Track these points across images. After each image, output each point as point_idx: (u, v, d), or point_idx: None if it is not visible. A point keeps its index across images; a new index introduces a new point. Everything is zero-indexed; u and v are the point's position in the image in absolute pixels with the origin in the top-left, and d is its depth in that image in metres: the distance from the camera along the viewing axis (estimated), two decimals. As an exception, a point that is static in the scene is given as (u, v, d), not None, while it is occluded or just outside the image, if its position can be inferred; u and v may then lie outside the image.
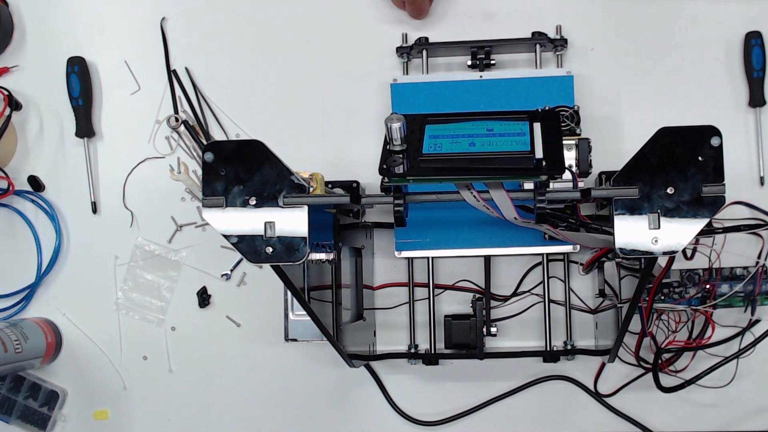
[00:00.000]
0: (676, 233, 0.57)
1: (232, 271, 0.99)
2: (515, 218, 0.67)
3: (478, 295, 0.93)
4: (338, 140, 0.97)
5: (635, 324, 0.81)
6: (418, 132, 0.63)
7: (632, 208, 0.58)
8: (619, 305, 0.83)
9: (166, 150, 1.01)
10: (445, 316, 0.91)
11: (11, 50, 1.03)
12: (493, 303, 0.95)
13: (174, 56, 1.02)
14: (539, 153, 0.59)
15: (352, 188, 0.89)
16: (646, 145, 0.58)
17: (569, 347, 0.92)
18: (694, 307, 0.87)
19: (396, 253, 0.91)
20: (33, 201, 1.02)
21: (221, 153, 0.61)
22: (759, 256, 0.90)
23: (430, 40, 0.95)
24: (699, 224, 0.57)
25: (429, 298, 0.93)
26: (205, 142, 0.99)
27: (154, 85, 1.02)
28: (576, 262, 0.94)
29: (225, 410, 0.99)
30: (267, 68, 1.00)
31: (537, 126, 0.63)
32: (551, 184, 0.63)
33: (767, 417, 0.93)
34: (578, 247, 0.89)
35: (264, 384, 0.99)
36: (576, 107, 0.88)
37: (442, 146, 0.61)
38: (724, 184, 0.57)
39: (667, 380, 0.88)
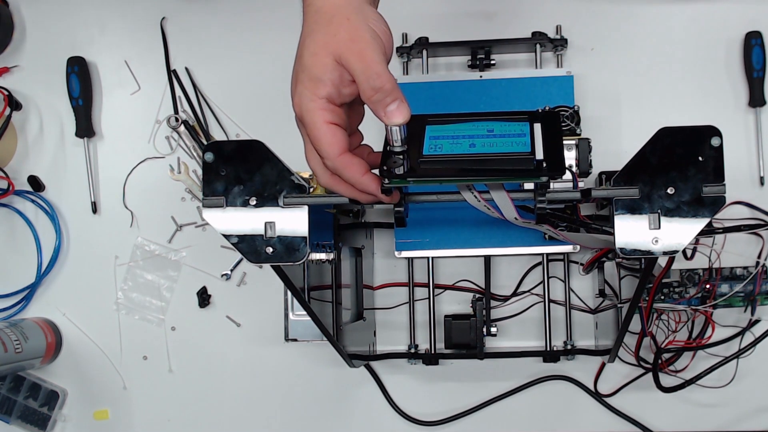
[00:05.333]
0: (676, 233, 0.57)
1: (232, 271, 0.99)
2: (516, 218, 0.67)
3: (478, 295, 0.94)
4: (338, 140, 0.97)
5: (635, 324, 0.81)
6: (419, 133, 0.63)
7: (632, 208, 0.58)
8: (619, 305, 0.83)
9: (166, 150, 1.01)
10: (445, 316, 0.91)
11: (11, 50, 1.04)
12: (493, 303, 0.95)
13: (174, 56, 1.02)
14: (540, 154, 0.59)
15: (352, 188, 0.89)
16: (646, 145, 0.58)
17: (569, 347, 0.92)
18: (694, 307, 0.87)
19: (396, 253, 0.91)
20: (33, 201, 1.02)
21: (221, 153, 0.61)
22: (759, 256, 0.90)
23: (430, 40, 0.95)
24: (699, 224, 0.57)
25: (429, 298, 0.93)
26: (205, 142, 0.99)
27: (154, 85, 1.02)
28: (576, 262, 0.94)
29: (225, 410, 0.99)
30: (267, 68, 1.00)
31: (537, 126, 0.63)
32: (551, 185, 0.63)
33: (767, 417, 0.93)
34: (578, 247, 0.89)
35: (264, 384, 0.99)
36: (576, 107, 0.88)
37: (443, 147, 0.61)
38: (724, 184, 0.57)
39: (667, 380, 0.88)
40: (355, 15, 0.58)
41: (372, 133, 0.96)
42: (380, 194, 0.60)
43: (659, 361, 0.87)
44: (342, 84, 0.58)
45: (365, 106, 0.63)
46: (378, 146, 0.63)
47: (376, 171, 0.60)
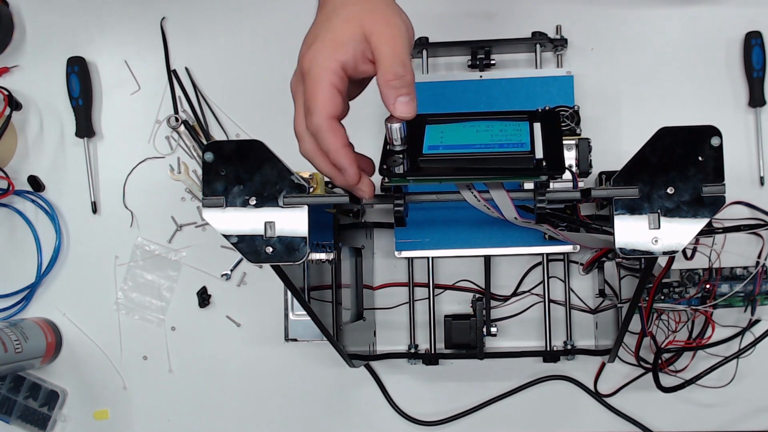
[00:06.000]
0: (676, 233, 0.57)
1: (232, 271, 0.99)
2: (515, 218, 0.67)
3: (478, 295, 0.94)
4: (338, 140, 0.97)
5: (635, 324, 0.81)
6: (418, 132, 0.63)
7: (632, 208, 0.58)
8: (619, 305, 0.83)
9: (166, 150, 1.01)
10: (445, 316, 0.91)
11: (11, 50, 1.03)
12: (493, 303, 0.95)
13: (174, 56, 1.02)
14: (539, 153, 0.59)
15: (352, 188, 0.89)
16: (646, 145, 0.58)
17: (569, 347, 0.92)
18: (694, 307, 0.87)
19: (396, 253, 0.91)
20: (33, 201, 1.02)
21: (221, 153, 0.61)
22: (759, 256, 0.90)
23: (430, 40, 0.95)
24: (699, 224, 0.57)
25: (429, 298, 0.93)
26: (205, 142, 0.99)
27: (154, 85, 1.02)
28: (576, 262, 0.94)
29: (225, 410, 0.99)
30: (267, 68, 1.00)
31: (537, 126, 0.63)
32: (551, 184, 0.63)
33: (767, 417, 0.93)
34: (578, 247, 0.89)
35: (264, 384, 0.99)
36: (576, 107, 0.88)
37: (443, 146, 0.61)
38: (724, 184, 0.57)
39: (667, 380, 0.88)
40: (391, 3, 0.60)
41: (372, 132, 0.97)
42: (352, 171, 0.59)
43: (659, 361, 0.87)
44: (361, 59, 0.59)
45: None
46: (378, 145, 0.63)
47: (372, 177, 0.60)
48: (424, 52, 0.95)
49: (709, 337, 0.89)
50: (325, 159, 0.61)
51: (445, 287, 0.96)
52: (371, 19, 0.58)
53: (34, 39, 1.03)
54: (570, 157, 0.83)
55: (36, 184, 1.01)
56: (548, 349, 0.92)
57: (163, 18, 1.02)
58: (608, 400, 0.94)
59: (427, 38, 0.95)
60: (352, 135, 1.00)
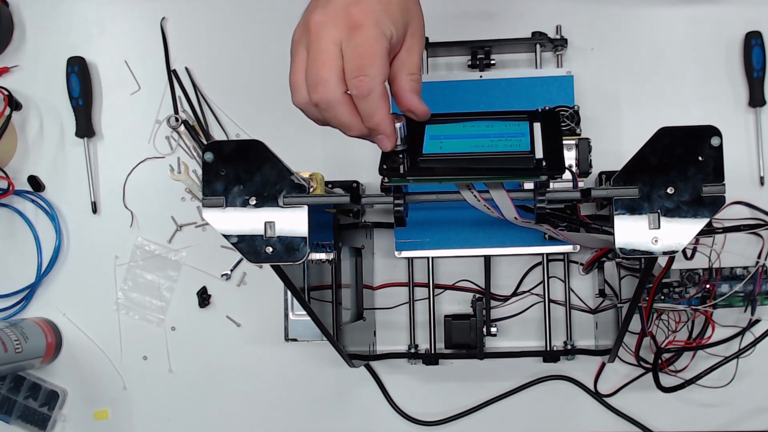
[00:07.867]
0: (676, 233, 0.57)
1: (232, 271, 0.99)
2: (515, 218, 0.67)
3: (478, 295, 0.94)
4: (338, 140, 0.97)
5: (635, 324, 0.81)
6: (418, 132, 0.63)
7: (632, 208, 0.58)
8: (619, 305, 0.83)
9: (166, 150, 1.01)
10: (445, 316, 0.91)
11: (11, 50, 1.03)
12: (493, 303, 0.95)
13: (174, 56, 1.02)
14: (539, 153, 0.59)
15: (352, 188, 0.89)
16: (645, 145, 0.58)
17: (569, 347, 0.92)
18: (694, 307, 0.87)
19: (396, 253, 0.91)
20: (33, 201, 1.02)
21: (221, 153, 0.61)
22: (759, 256, 0.90)
23: (430, 40, 0.95)
24: (699, 224, 0.57)
25: (429, 298, 0.93)
26: (205, 142, 0.99)
27: (154, 85, 1.02)
28: (576, 262, 0.94)
29: (225, 410, 0.99)
30: (267, 68, 1.00)
31: (537, 126, 0.63)
32: (551, 184, 0.63)
33: (767, 417, 0.93)
34: (578, 247, 0.89)
35: (264, 384, 0.99)
36: (576, 107, 0.88)
37: (442, 146, 0.61)
38: (724, 184, 0.57)
39: (667, 380, 0.88)
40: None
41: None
42: (393, 138, 0.59)
43: (659, 361, 0.87)
44: (402, 35, 0.60)
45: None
46: (377, 148, 0.63)
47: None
48: (424, 52, 0.95)
49: (709, 337, 0.89)
50: (351, 109, 0.59)
51: (445, 287, 0.96)
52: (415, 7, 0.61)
53: (34, 39, 1.03)
54: (570, 157, 0.83)
55: (36, 184, 1.01)
56: (548, 349, 0.92)
57: (163, 18, 1.02)
58: (608, 400, 0.94)
59: (427, 38, 0.95)
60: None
